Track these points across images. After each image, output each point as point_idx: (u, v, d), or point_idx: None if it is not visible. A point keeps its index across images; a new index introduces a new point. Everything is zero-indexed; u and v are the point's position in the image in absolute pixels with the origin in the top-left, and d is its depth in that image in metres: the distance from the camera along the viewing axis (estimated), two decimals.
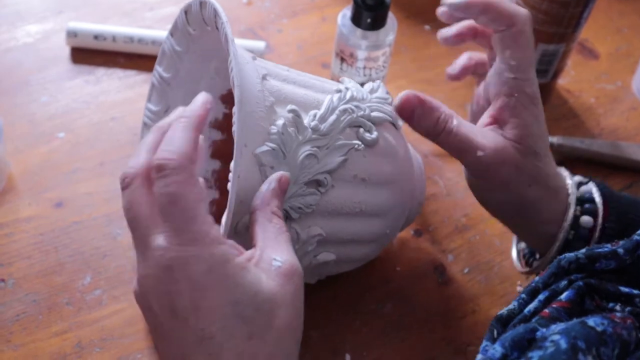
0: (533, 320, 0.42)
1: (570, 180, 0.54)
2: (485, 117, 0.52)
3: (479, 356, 0.40)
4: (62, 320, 0.55)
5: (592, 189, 0.53)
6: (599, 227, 0.51)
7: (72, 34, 0.73)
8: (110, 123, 0.69)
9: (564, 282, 0.44)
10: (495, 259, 0.63)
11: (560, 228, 0.52)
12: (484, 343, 0.41)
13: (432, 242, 0.63)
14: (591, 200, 0.53)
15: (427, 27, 0.80)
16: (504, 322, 0.43)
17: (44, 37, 0.76)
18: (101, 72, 0.73)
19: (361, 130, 0.49)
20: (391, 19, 0.65)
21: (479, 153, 0.50)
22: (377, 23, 0.63)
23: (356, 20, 0.63)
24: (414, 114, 0.50)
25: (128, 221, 0.40)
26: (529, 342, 0.39)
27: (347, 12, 0.64)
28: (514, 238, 0.62)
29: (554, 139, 0.69)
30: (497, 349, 0.39)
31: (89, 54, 0.74)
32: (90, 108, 0.70)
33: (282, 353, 0.39)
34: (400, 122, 0.53)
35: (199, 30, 0.53)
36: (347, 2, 0.80)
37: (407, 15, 0.81)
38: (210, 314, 0.37)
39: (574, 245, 0.52)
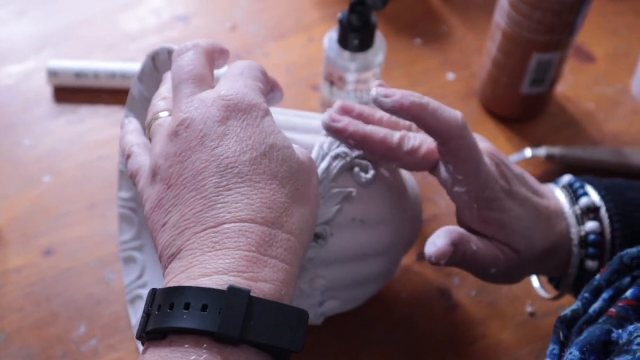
0: (600, 320, 0.40)
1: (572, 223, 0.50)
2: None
3: None
4: None
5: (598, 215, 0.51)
6: (608, 242, 0.50)
7: (53, 74, 0.71)
8: (97, 162, 0.67)
9: (627, 280, 0.42)
10: None
11: (568, 268, 0.51)
12: (551, 347, 0.41)
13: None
14: (594, 239, 0.50)
15: (417, 40, 0.78)
16: (568, 324, 0.42)
17: (25, 78, 0.74)
18: (85, 110, 0.71)
19: (356, 170, 0.46)
20: (379, 38, 0.63)
21: (492, 270, 0.47)
22: (364, 44, 0.61)
23: (343, 42, 0.61)
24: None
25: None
26: (604, 344, 0.38)
27: (333, 34, 0.62)
28: None
29: (556, 150, 0.67)
30: (574, 354, 0.37)
31: (72, 92, 0.72)
32: (75, 148, 0.68)
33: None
34: None
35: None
36: (334, 20, 0.78)
37: (397, 30, 0.79)
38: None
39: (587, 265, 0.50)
